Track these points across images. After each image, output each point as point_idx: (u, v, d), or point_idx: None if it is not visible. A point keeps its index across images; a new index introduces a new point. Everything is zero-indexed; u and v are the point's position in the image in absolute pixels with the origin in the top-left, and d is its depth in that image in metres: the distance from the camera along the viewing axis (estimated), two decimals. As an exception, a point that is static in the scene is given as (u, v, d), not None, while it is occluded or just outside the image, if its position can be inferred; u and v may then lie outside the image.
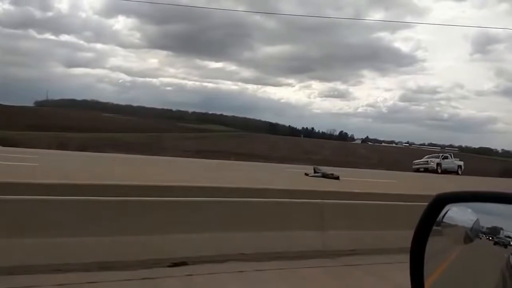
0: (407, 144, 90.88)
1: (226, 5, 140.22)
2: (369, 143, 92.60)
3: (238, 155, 29.60)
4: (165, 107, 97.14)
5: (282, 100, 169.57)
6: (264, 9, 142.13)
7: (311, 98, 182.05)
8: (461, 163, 30.16)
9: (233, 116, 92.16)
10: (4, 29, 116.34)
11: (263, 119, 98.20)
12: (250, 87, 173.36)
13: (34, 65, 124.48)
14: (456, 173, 28.41)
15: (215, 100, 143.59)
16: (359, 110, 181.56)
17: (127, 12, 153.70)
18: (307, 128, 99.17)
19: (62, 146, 26.92)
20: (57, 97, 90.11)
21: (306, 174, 13.31)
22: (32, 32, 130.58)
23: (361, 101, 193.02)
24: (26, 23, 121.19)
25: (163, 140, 37.65)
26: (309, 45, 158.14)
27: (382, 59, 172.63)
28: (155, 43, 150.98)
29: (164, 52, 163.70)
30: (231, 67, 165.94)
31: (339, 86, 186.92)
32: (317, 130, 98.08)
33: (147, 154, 25.06)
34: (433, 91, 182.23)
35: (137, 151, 28.06)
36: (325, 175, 12.80)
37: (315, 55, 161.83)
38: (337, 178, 12.61)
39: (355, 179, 13.65)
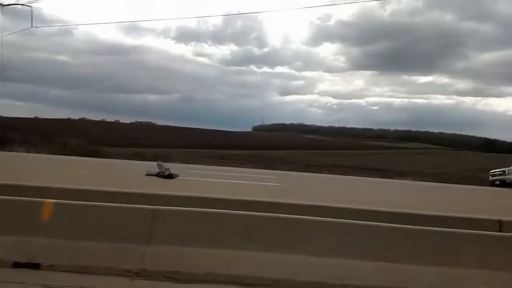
0: None
1: (433, 15, 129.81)
2: None
3: (360, 170, 31.62)
4: (367, 127, 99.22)
5: (509, 113, 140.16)
6: (477, 14, 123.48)
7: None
8: None
9: (440, 133, 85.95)
10: (233, 67, 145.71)
11: (481, 135, 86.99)
12: (468, 100, 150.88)
13: (255, 95, 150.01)
14: None
15: (424, 117, 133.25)
16: None
17: (331, 38, 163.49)
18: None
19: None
20: (271, 122, 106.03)
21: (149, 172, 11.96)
22: (253, 67, 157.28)
23: None
24: (248, 59, 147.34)
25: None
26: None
27: None
28: (359, 65, 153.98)
29: (369, 72, 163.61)
30: (443, 79, 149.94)
31: None
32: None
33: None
34: None
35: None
36: (159, 174, 11.52)
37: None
38: (169, 176, 11.20)
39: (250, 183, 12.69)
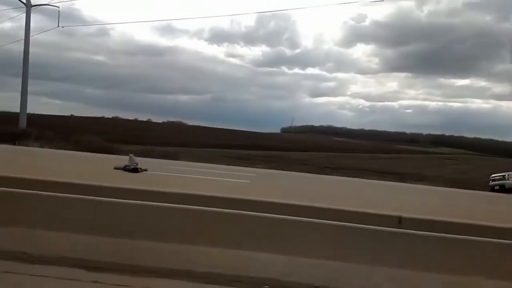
0: None
1: (471, 16, 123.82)
2: None
3: (374, 173, 30.92)
4: (399, 130, 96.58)
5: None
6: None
7: None
8: None
9: (476, 138, 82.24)
10: (264, 68, 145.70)
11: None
12: (505, 104, 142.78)
13: (286, 96, 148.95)
14: None
15: (460, 121, 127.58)
16: None
17: (365, 39, 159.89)
18: None
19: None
20: (300, 123, 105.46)
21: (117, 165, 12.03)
22: (284, 68, 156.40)
23: None
24: (279, 61, 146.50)
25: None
26: None
27: None
28: (393, 66, 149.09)
29: (403, 74, 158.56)
30: (480, 83, 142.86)
31: None
32: None
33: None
34: None
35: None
36: (125, 168, 11.59)
37: None
38: (134, 170, 11.31)
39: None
